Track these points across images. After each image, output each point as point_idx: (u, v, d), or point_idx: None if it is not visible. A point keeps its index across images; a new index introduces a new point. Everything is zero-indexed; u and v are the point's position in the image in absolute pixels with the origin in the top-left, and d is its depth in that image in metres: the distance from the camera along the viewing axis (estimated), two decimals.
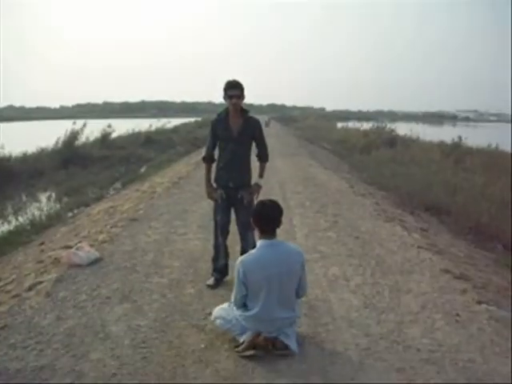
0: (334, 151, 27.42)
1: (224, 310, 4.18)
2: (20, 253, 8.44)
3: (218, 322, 4.16)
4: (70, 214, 11.97)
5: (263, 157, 5.46)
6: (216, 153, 5.42)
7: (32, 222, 11.10)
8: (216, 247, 5.52)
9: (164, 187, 12.29)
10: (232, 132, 5.19)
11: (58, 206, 13.42)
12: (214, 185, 5.40)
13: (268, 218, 3.95)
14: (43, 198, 14.85)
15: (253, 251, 4.05)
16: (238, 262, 3.98)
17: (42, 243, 8.71)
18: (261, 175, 5.46)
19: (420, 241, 7.64)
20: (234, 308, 4.08)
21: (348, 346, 4.09)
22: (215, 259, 5.53)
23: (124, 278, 5.59)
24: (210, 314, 4.54)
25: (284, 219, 8.40)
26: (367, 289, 5.41)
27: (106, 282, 5.49)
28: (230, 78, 5.15)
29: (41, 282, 5.58)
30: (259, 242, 4.02)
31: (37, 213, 12.25)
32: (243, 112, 5.26)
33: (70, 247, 7.09)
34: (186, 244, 7.00)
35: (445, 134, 30.96)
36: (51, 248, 7.73)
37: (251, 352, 3.79)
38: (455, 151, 21.68)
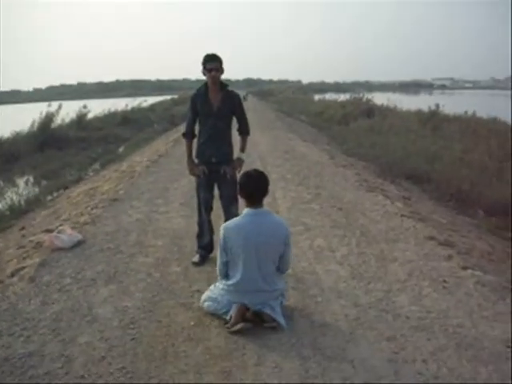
0: (313, 123, 27.44)
1: (210, 291, 4.16)
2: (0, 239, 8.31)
3: (205, 304, 4.14)
4: (49, 198, 11.82)
5: (244, 130, 5.40)
6: (196, 128, 5.34)
7: (11, 207, 10.91)
8: (200, 224, 5.47)
9: (143, 166, 12.15)
10: (212, 106, 5.10)
11: (36, 189, 13.24)
12: (196, 161, 5.33)
13: (254, 187, 3.93)
14: (21, 182, 14.60)
15: (236, 218, 4.06)
16: (221, 228, 4.00)
17: (23, 228, 8.59)
18: (242, 149, 5.41)
19: (403, 209, 7.67)
20: (218, 284, 4.07)
21: (337, 316, 4.09)
22: (200, 236, 5.48)
23: (108, 260, 5.52)
24: (198, 291, 4.54)
25: None
26: (353, 259, 5.41)
27: (90, 264, 5.41)
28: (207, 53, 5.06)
29: (23, 268, 5.48)
30: (245, 210, 4.01)
31: (15, 197, 12.04)
32: (222, 86, 5.17)
33: (51, 231, 6.99)
34: (168, 222, 6.93)
35: (421, 102, 31.06)
36: (32, 232, 7.61)
37: (240, 326, 3.76)
38: (432, 119, 21.76)
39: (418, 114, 24.31)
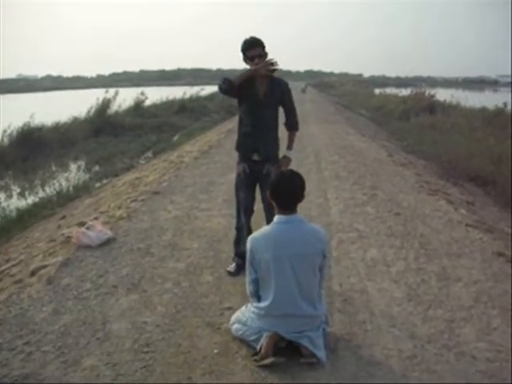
0: (372, 118, 26.54)
1: (241, 312, 3.52)
2: (39, 228, 8.02)
3: (234, 327, 3.49)
4: (97, 185, 11.55)
5: (293, 125, 4.72)
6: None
7: (58, 193, 10.74)
8: (238, 229, 4.82)
9: (192, 157, 11.65)
10: (257, 92, 4.42)
11: (86, 176, 13.09)
12: (237, 158, 4.72)
13: (286, 191, 3.24)
14: (73, 167, 14.54)
15: (265, 227, 3.39)
16: (248, 240, 3.34)
17: (63, 217, 8.28)
18: (290, 146, 4.72)
19: (467, 217, 6.86)
20: (250, 305, 3.43)
21: (389, 352, 3.39)
22: (237, 242, 4.83)
23: (135, 262, 4.98)
24: (229, 309, 3.94)
25: (318, 192, 7.92)
26: (411, 277, 4.69)
27: (116, 266, 4.89)
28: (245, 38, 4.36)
29: (45, 266, 5.03)
30: (275, 218, 3.33)
31: (64, 183, 11.91)
32: (270, 72, 4.45)
33: (84, 224, 6.57)
34: (208, 221, 6.35)
35: (486, 99, 29.83)
36: (68, 224, 7.23)
37: (270, 360, 3.10)
38: (498, 118, 20.53)
39: (483, 111, 23.10)
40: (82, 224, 6.58)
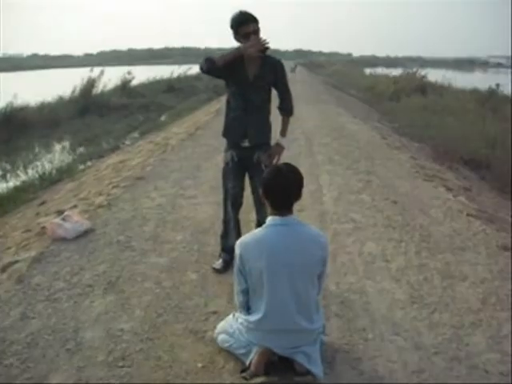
0: (363, 98, 26.16)
1: (227, 322, 3.12)
2: (18, 214, 7.59)
3: (220, 337, 3.09)
4: (82, 167, 11.11)
5: (287, 109, 4.22)
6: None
7: (41, 176, 10.30)
8: (226, 222, 4.39)
9: (178, 139, 11.21)
10: (247, 73, 3.96)
11: (70, 157, 12.68)
12: (224, 145, 4.29)
13: (282, 189, 2.77)
14: (57, 149, 14.10)
15: (257, 230, 2.94)
16: (236, 244, 2.90)
17: (43, 203, 7.87)
18: (283, 133, 4.26)
19: (467, 206, 6.50)
20: (238, 314, 3.02)
21: (394, 365, 3.02)
22: (224, 236, 4.42)
23: (114, 258, 4.58)
24: (214, 313, 3.57)
25: (310, 177, 7.50)
26: (412, 274, 4.33)
27: (92, 262, 4.49)
28: (236, 12, 3.87)
29: (17, 262, 4.62)
30: (268, 219, 2.86)
31: (47, 166, 11.49)
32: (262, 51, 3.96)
33: (62, 212, 6.17)
34: (193, 210, 5.95)
35: (476, 80, 29.62)
36: (46, 211, 6.82)
37: (261, 379, 2.73)
38: (491, 100, 20.23)
39: (475, 93, 22.81)
40: (59, 212, 6.19)
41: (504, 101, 19.69)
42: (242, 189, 4.28)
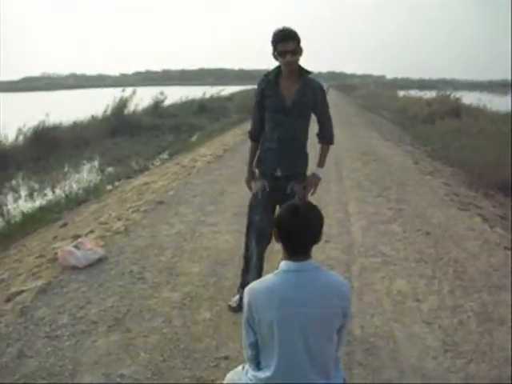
0: (395, 121, 25.69)
1: (236, 374, 2.77)
2: (38, 236, 7.43)
3: None
4: (109, 187, 10.99)
5: (327, 137, 3.87)
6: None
7: (67, 196, 10.18)
8: (247, 258, 3.95)
9: (205, 161, 10.99)
10: (284, 100, 3.61)
11: (98, 177, 12.59)
12: (256, 171, 3.92)
13: (299, 232, 2.36)
14: (86, 168, 14.05)
15: (268, 276, 2.47)
16: (245, 291, 2.48)
17: (64, 225, 7.70)
18: (321, 163, 3.88)
19: (504, 238, 6.08)
20: (247, 367, 2.66)
21: None
22: (245, 272, 3.99)
23: (124, 290, 4.31)
24: (226, 358, 3.25)
25: (338, 205, 7.17)
26: (446, 317, 3.94)
27: (101, 295, 4.22)
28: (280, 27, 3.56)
29: (23, 291, 4.39)
30: (282, 264, 2.42)
31: (75, 186, 11.42)
32: (302, 73, 3.65)
33: (78, 237, 5.96)
34: (213, 239, 5.66)
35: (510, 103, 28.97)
36: (64, 235, 6.63)
37: None
38: None
39: (508, 115, 22.18)
40: (76, 237, 5.99)
41: None
42: (272, 222, 3.82)
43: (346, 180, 8.90)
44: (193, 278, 4.59)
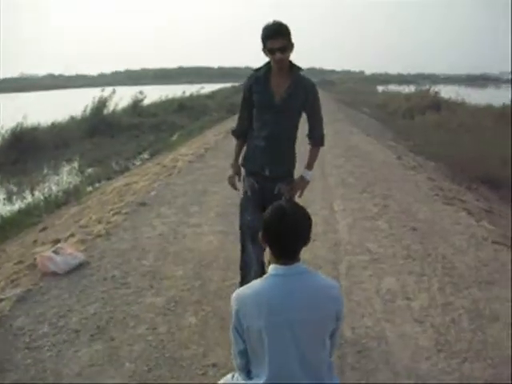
0: (376, 116, 25.74)
1: (226, 382, 2.65)
2: (18, 241, 7.27)
3: None
4: (89, 189, 10.83)
5: (318, 138, 3.68)
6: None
7: (47, 198, 10.00)
8: (245, 265, 3.64)
9: (186, 161, 10.83)
10: (273, 97, 3.44)
11: (78, 179, 12.40)
12: (242, 171, 3.77)
13: (287, 235, 2.25)
14: (65, 170, 13.85)
15: (256, 281, 2.36)
16: (232, 298, 2.35)
17: (44, 229, 7.54)
18: (310, 165, 3.72)
19: (492, 232, 6.04)
20: (238, 376, 2.54)
21: None
22: (243, 284, 3.38)
23: (107, 296, 4.17)
24: (214, 366, 3.14)
25: (322, 202, 7.09)
26: (437, 315, 3.87)
27: (82, 302, 4.08)
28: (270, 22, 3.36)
29: (1, 300, 4.23)
30: (270, 268, 2.31)
31: (55, 188, 11.24)
32: (293, 69, 3.47)
33: (58, 241, 5.80)
34: (197, 241, 5.53)
35: (489, 96, 29.22)
36: (44, 239, 6.47)
37: None
38: (505, 115, 19.74)
39: (488, 109, 22.33)
40: (56, 241, 5.84)
41: None
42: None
43: (330, 177, 8.83)
44: (177, 282, 4.46)
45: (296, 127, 3.60)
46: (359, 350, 3.38)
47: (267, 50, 3.33)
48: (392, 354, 3.34)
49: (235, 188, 3.84)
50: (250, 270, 3.58)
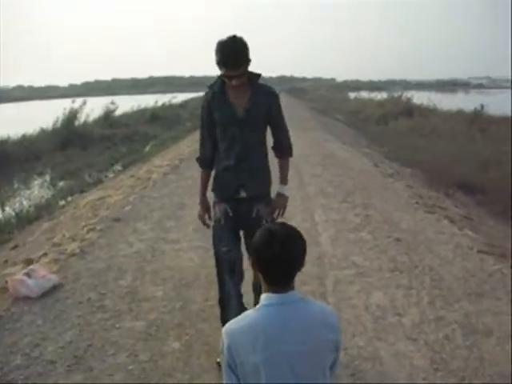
0: (349, 123, 25.85)
1: None
2: None
3: None
4: (62, 202, 10.58)
5: (285, 149, 3.39)
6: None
7: (18, 214, 9.70)
8: (224, 299, 3.32)
9: (161, 172, 10.62)
10: (235, 110, 3.12)
11: (50, 193, 12.12)
12: (213, 198, 3.40)
13: (279, 261, 2.05)
14: (37, 183, 13.55)
15: (248, 313, 2.17)
16: (223, 332, 2.14)
17: (15, 247, 7.31)
18: (284, 180, 3.43)
19: (476, 240, 5.98)
20: None
21: None
22: (225, 318, 3.24)
23: (83, 322, 3.94)
24: None
25: (303, 214, 6.94)
26: (430, 331, 3.73)
27: (58, 329, 3.85)
28: (224, 40, 2.95)
29: None
30: (262, 298, 2.12)
31: (26, 203, 10.93)
32: (252, 78, 3.14)
33: (30, 262, 5.55)
34: (176, 258, 5.32)
35: (459, 101, 29.70)
36: (15, 259, 6.21)
37: None
38: (477, 121, 19.98)
39: (460, 114, 22.65)
40: (27, 261, 5.59)
41: (490, 121, 19.44)
42: (241, 252, 3.31)
43: (309, 186, 8.69)
44: (157, 304, 4.25)
45: (264, 140, 3.30)
46: (353, 372, 3.22)
47: (222, 75, 3.05)
48: (387, 375, 3.19)
49: (207, 226, 3.47)
50: (229, 303, 3.28)
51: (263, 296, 2.10)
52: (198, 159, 3.51)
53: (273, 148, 3.38)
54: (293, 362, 2.03)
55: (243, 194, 3.21)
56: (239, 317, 2.13)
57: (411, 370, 3.25)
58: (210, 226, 3.39)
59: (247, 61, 3.00)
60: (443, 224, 6.56)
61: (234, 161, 3.18)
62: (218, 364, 3.18)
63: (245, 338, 2.03)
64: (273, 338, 2.02)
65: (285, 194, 3.41)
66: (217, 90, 3.16)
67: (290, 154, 3.44)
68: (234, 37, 2.95)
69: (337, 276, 4.77)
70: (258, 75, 3.16)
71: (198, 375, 3.21)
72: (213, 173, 3.36)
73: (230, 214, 3.23)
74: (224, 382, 2.10)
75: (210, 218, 3.44)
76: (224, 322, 3.15)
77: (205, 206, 3.49)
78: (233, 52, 2.93)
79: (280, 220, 3.11)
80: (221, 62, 2.96)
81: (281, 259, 2.04)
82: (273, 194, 3.38)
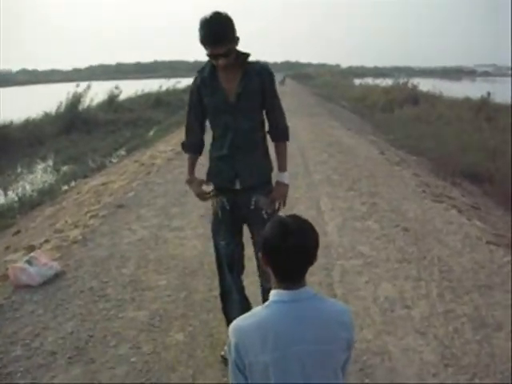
0: (354, 110, 25.59)
1: None
2: None
3: None
4: (65, 187, 10.48)
5: (280, 133, 3.13)
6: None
7: (20, 199, 9.60)
8: (225, 293, 3.24)
9: (164, 158, 10.52)
10: (226, 95, 2.91)
11: (53, 178, 12.01)
12: (210, 187, 3.19)
13: (291, 255, 1.92)
14: (40, 168, 13.45)
15: (257, 310, 2.05)
16: (229, 329, 2.02)
17: (17, 232, 7.20)
18: (282, 167, 3.14)
19: (485, 231, 5.86)
20: None
21: None
22: (227, 311, 3.26)
23: (85, 312, 3.86)
24: None
25: (309, 202, 6.82)
26: (439, 325, 3.63)
27: (59, 318, 3.77)
28: (207, 16, 2.72)
29: None
30: (272, 294, 2.00)
31: (29, 187, 10.84)
32: (242, 59, 2.91)
33: (32, 248, 5.46)
34: (180, 246, 5.24)
35: (465, 89, 29.46)
36: (18, 245, 6.13)
37: None
38: (484, 108, 19.75)
39: (467, 102, 22.38)
40: (30, 247, 5.51)
41: (497, 109, 19.23)
42: (241, 246, 3.20)
43: (314, 174, 8.57)
44: (160, 293, 4.16)
45: (262, 124, 3.08)
46: (361, 367, 3.13)
47: (207, 55, 2.83)
48: (397, 372, 3.08)
49: (203, 197, 3.24)
50: (230, 296, 3.21)
51: (273, 292, 1.98)
52: (182, 146, 3.37)
53: (268, 132, 3.15)
54: (304, 362, 1.92)
55: (238, 186, 3.02)
56: (247, 314, 2.02)
57: (421, 365, 3.15)
58: (216, 213, 3.17)
59: (233, 38, 2.80)
60: (451, 213, 6.44)
61: (227, 150, 2.99)
62: (223, 357, 3.12)
63: (253, 337, 1.92)
64: (283, 337, 1.91)
65: (284, 181, 3.13)
66: (206, 75, 2.96)
67: (287, 138, 3.19)
68: (217, 12, 2.76)
69: (344, 266, 4.67)
70: (247, 54, 2.93)
71: (202, 370, 3.11)
72: (207, 162, 3.17)
73: (227, 208, 3.08)
74: (230, 381, 2.00)
75: (208, 193, 3.20)
76: (226, 315, 3.23)
77: (195, 183, 3.27)
78: (216, 28, 2.73)
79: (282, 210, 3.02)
80: (204, 40, 2.76)
81: (293, 253, 1.92)
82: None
